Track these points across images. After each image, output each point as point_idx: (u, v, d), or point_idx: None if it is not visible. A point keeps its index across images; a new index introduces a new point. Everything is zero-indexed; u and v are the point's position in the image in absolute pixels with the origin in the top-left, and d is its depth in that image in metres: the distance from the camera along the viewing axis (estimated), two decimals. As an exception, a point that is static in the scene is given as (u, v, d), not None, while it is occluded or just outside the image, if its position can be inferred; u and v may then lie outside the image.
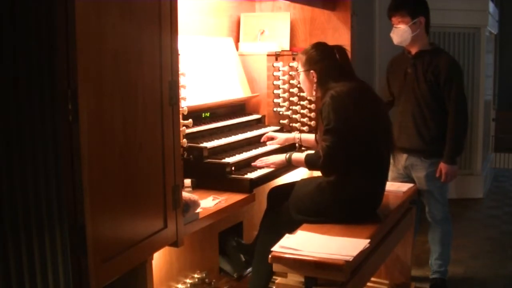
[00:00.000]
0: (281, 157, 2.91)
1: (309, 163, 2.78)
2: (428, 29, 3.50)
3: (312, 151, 2.86)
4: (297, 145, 3.29)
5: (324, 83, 2.79)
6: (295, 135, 3.27)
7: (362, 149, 2.68)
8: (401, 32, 3.41)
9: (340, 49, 2.86)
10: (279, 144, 3.21)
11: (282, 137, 3.24)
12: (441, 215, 3.56)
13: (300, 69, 2.92)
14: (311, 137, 3.16)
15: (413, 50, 3.48)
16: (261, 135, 3.28)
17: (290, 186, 2.94)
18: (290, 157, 2.87)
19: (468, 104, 5.88)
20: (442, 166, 3.40)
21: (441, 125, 3.40)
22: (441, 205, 3.55)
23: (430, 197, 3.53)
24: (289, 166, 2.94)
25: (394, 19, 3.47)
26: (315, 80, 2.84)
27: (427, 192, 3.52)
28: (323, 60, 2.82)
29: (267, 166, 2.92)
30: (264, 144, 3.22)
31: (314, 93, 2.89)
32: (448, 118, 3.36)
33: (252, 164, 2.93)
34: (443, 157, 3.39)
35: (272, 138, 3.25)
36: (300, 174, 3.38)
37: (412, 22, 3.40)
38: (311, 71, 2.84)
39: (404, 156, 3.54)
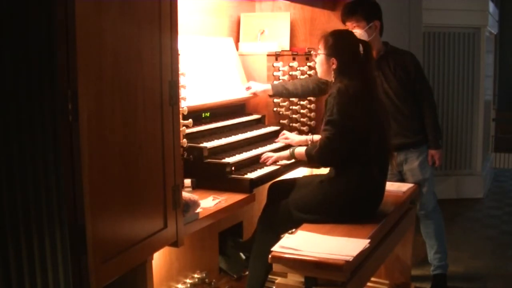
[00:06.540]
0: (285, 152, 2.97)
1: (309, 155, 2.82)
2: (382, 33, 3.53)
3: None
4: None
5: (341, 74, 2.78)
6: (307, 137, 3.25)
7: (362, 147, 2.70)
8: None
9: (365, 44, 2.86)
10: (291, 144, 3.22)
11: (296, 139, 3.25)
12: (432, 205, 3.64)
13: (322, 51, 2.88)
14: None
15: (373, 54, 3.49)
16: (261, 135, 3.28)
17: (291, 182, 2.96)
18: (293, 151, 2.93)
19: (468, 104, 5.96)
20: (432, 152, 3.55)
21: (417, 115, 3.54)
22: (432, 195, 3.64)
23: (424, 186, 3.58)
24: (292, 159, 2.98)
25: (349, 24, 3.48)
26: (333, 67, 2.83)
27: (421, 182, 3.57)
28: (347, 52, 2.81)
29: (275, 159, 2.95)
30: (263, 144, 3.22)
31: (331, 78, 2.86)
32: (423, 107, 3.52)
33: (260, 161, 2.97)
34: (428, 143, 3.55)
35: (286, 138, 3.28)
36: (300, 174, 3.37)
37: (368, 27, 3.42)
38: (333, 58, 2.82)
39: (394, 155, 3.57)
